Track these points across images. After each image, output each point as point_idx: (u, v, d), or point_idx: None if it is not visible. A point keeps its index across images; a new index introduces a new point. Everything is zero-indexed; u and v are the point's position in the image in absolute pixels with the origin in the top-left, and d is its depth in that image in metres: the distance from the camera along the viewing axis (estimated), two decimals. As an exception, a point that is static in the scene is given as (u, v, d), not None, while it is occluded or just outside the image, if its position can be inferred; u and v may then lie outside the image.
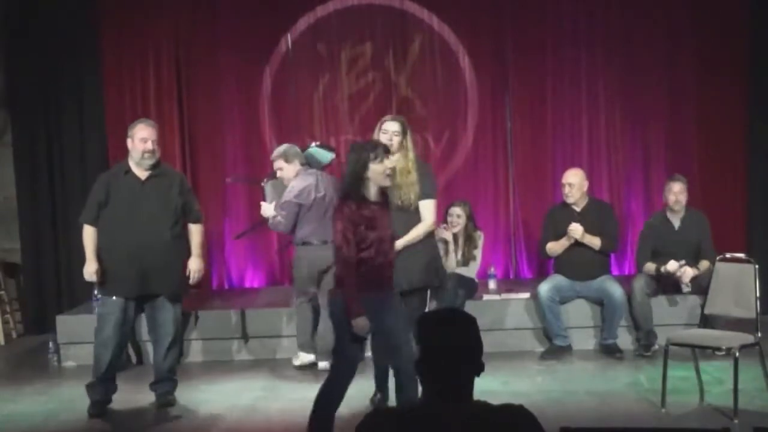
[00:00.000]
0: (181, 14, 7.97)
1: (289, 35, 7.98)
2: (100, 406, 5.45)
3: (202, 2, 8.01)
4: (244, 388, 5.99)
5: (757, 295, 5.17)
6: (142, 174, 5.41)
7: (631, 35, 7.77)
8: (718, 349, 5.12)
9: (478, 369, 2.40)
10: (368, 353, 6.67)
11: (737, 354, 4.90)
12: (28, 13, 7.76)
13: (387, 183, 4.38)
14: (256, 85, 8.02)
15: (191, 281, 5.59)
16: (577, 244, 6.50)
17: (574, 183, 6.52)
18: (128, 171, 5.42)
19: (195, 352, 6.82)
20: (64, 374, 6.29)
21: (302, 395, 5.79)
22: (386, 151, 4.39)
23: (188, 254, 5.54)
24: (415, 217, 5.05)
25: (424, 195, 5.04)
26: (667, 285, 6.47)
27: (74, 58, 7.86)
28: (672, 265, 6.31)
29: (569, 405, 5.23)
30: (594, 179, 7.77)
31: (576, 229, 6.42)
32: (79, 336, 6.57)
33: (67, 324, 6.77)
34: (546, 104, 7.92)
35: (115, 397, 5.74)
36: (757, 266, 5.23)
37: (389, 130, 5.04)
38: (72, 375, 6.31)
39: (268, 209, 6.25)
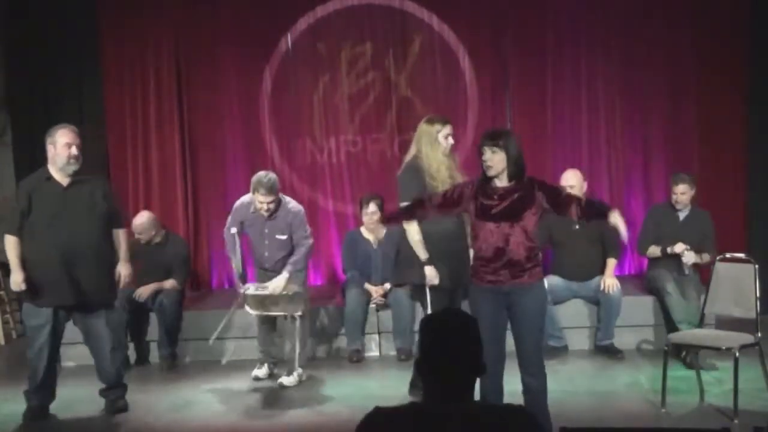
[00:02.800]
0: (181, 14, 7.97)
1: (289, 35, 7.97)
2: (38, 410, 5.42)
3: (202, 2, 8.01)
4: (244, 388, 5.99)
5: (757, 295, 5.17)
6: (63, 180, 5.30)
7: (631, 35, 7.76)
8: (718, 348, 5.13)
9: (479, 369, 2.40)
10: (371, 353, 6.71)
11: (737, 354, 4.90)
12: (28, 13, 7.76)
13: (488, 173, 4.39)
14: (256, 84, 8.01)
15: (121, 286, 5.53)
16: (575, 245, 6.50)
17: (575, 184, 6.51)
18: (49, 177, 5.30)
19: (194, 352, 6.83)
20: (64, 374, 6.27)
21: (303, 396, 5.80)
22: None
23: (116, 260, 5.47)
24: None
25: None
26: (671, 266, 6.45)
27: (74, 58, 7.87)
28: (679, 247, 6.38)
29: (569, 405, 5.23)
30: (594, 179, 7.77)
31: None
32: (78, 336, 6.53)
33: (67, 324, 6.75)
34: (546, 104, 7.91)
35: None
36: (757, 266, 5.24)
37: (449, 134, 5.30)
38: (72, 375, 6.31)
39: (279, 281, 5.94)
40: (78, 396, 5.81)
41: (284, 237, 6.01)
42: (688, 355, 5.81)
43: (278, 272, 6.00)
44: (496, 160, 4.34)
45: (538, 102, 7.92)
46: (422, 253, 5.20)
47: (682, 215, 6.58)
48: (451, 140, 5.28)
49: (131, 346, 6.78)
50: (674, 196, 6.52)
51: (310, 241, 6.11)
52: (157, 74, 7.99)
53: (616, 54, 7.80)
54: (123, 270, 5.49)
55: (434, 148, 5.22)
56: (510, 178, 4.37)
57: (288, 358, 6.09)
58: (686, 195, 6.50)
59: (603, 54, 7.81)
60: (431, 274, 5.21)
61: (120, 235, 5.53)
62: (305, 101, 8.02)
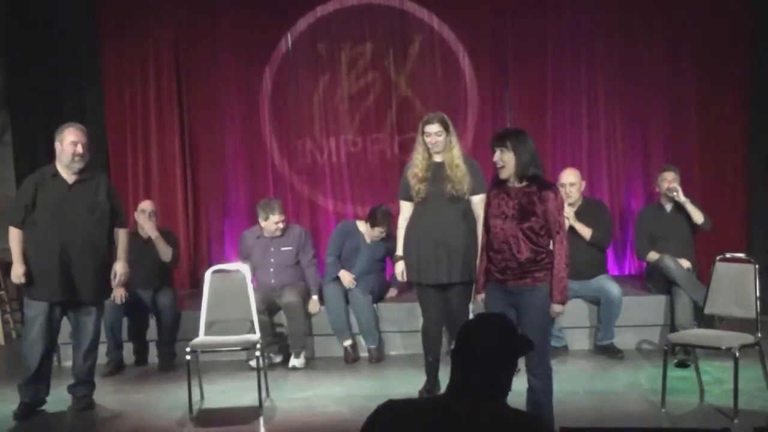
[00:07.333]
0: (181, 15, 7.97)
1: (289, 35, 7.98)
2: (26, 408, 5.43)
3: (202, 2, 8.01)
4: (244, 388, 5.99)
5: (757, 295, 5.17)
6: (69, 177, 5.39)
7: (632, 36, 7.76)
8: (717, 348, 5.13)
9: (505, 373, 2.41)
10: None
11: (737, 354, 4.90)
12: (28, 14, 7.76)
13: (500, 175, 4.43)
14: (256, 85, 8.01)
15: (116, 284, 5.60)
16: (575, 245, 6.50)
17: (576, 182, 6.60)
18: (56, 174, 5.39)
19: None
20: (64, 374, 6.26)
21: (303, 396, 5.80)
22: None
23: (114, 258, 5.53)
24: (468, 206, 5.32)
25: (478, 189, 5.28)
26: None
27: (74, 58, 7.88)
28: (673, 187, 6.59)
29: (569, 405, 5.22)
30: (594, 179, 7.78)
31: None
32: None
33: (67, 324, 6.74)
34: (546, 104, 7.91)
35: (120, 396, 5.80)
36: (757, 266, 5.24)
37: (431, 133, 5.26)
38: (71, 375, 6.30)
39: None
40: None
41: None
42: (675, 355, 5.82)
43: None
44: (505, 160, 4.35)
45: (538, 102, 7.92)
46: (399, 249, 5.46)
47: (668, 207, 6.72)
48: (431, 138, 5.26)
49: (131, 346, 6.78)
50: (665, 184, 6.65)
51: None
52: (157, 74, 8.00)
53: (616, 55, 7.80)
54: (119, 268, 5.54)
55: (417, 145, 5.34)
56: (520, 179, 4.37)
57: (292, 343, 6.53)
58: (676, 183, 6.61)
59: (603, 54, 7.82)
60: (398, 270, 5.48)
61: (120, 234, 5.59)
62: (305, 101, 8.02)
